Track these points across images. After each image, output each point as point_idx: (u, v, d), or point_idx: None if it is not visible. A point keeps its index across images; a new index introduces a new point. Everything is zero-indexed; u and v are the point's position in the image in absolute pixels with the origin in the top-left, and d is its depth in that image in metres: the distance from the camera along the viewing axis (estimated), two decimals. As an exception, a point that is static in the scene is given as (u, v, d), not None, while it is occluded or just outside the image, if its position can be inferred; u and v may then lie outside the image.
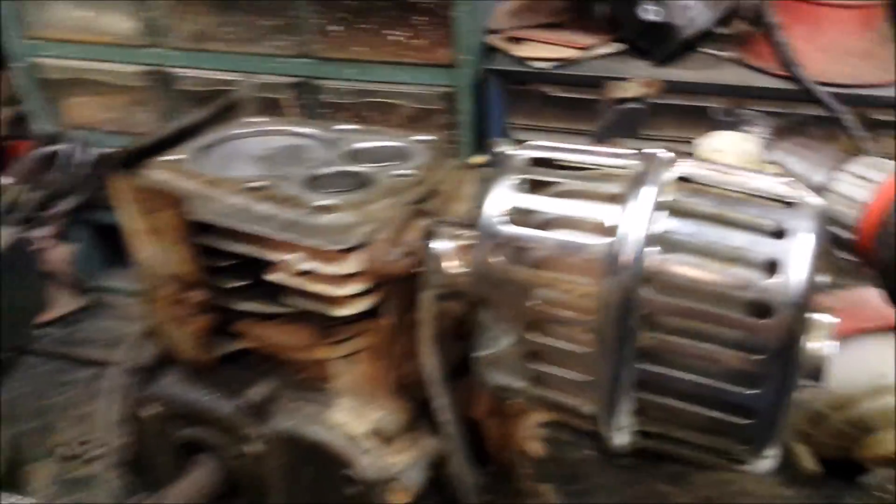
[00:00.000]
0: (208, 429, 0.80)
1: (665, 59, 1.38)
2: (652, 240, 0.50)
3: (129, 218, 0.72)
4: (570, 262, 0.54)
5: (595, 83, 1.35)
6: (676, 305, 0.49)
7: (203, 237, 0.69)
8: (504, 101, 1.38)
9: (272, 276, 0.67)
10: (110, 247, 1.75)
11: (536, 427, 0.87)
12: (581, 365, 0.55)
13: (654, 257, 0.50)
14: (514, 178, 0.56)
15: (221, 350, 0.77)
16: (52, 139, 1.52)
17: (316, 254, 0.65)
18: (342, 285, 0.65)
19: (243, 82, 0.96)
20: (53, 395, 1.39)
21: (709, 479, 1.19)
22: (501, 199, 0.56)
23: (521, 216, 0.56)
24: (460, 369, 0.82)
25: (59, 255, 1.61)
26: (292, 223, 0.67)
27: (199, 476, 0.81)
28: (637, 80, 0.92)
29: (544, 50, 1.39)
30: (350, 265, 0.64)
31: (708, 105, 1.29)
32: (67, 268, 1.62)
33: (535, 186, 0.57)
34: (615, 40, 1.45)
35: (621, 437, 0.57)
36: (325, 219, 0.66)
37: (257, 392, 0.76)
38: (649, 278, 0.49)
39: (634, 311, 0.51)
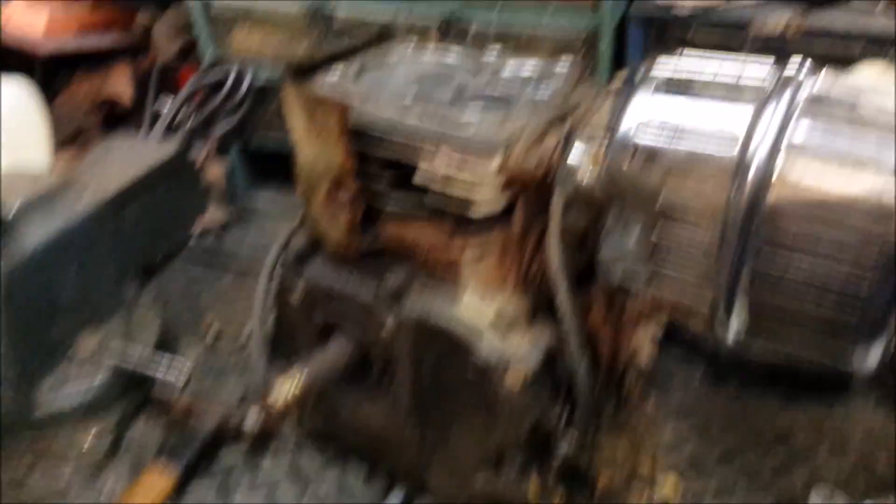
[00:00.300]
0: (347, 310, 0.92)
1: (816, 4, 1.34)
2: (780, 147, 0.55)
3: (297, 122, 0.82)
4: (699, 169, 0.59)
5: (741, 26, 1.36)
6: (802, 210, 0.54)
7: (360, 141, 0.79)
8: (644, 45, 1.42)
9: (418, 180, 0.76)
10: (257, 169, 1.92)
11: (647, 339, 0.92)
12: (701, 264, 0.61)
13: (782, 163, 0.54)
14: (650, 91, 0.62)
15: (365, 243, 0.87)
16: (216, 65, 1.68)
17: (458, 159, 0.73)
18: (480, 188, 0.73)
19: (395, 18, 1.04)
20: (200, 294, 1.57)
21: (814, 404, 1.20)
22: (637, 110, 0.62)
23: (655, 125, 0.62)
24: (580, 279, 0.90)
25: (215, 170, 1.79)
26: (438, 133, 0.75)
27: (336, 349, 0.92)
28: (782, 18, 0.93)
29: (687, -1, 1.41)
30: (489, 170, 0.72)
31: (854, 54, 1.27)
32: (220, 183, 1.80)
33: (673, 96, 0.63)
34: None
35: (734, 333, 0.62)
36: (469, 129, 0.75)
37: (393, 279, 0.86)
38: (775, 183, 0.55)
39: (758, 213, 0.56)
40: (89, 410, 1.14)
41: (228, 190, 1.84)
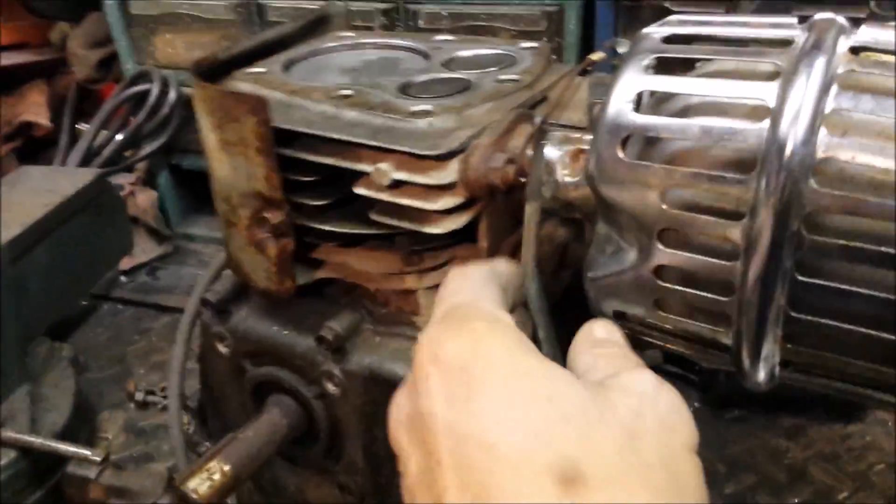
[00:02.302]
0: (284, 366, 0.79)
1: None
2: (821, 121, 0.43)
3: (209, 130, 0.70)
4: (716, 153, 0.47)
5: None
6: (850, 201, 0.42)
7: (286, 148, 0.66)
8: (616, 21, 1.31)
9: (360, 189, 0.64)
10: (193, 194, 1.78)
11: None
12: (723, 281, 0.48)
13: (824, 141, 0.43)
14: (647, 59, 0.50)
15: (301, 279, 0.74)
16: (138, 79, 1.55)
17: (409, 161, 0.61)
18: (437, 198, 0.61)
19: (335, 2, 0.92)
20: (132, 341, 1.43)
21: (828, 434, 1.10)
22: (630, 85, 0.50)
23: (654, 104, 0.50)
24: (563, 305, 0.78)
25: (144, 200, 1.65)
26: (384, 129, 0.63)
27: (274, 417, 0.79)
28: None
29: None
30: (447, 173, 0.59)
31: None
32: (151, 213, 1.66)
33: (674, 68, 0.51)
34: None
35: (764, 369, 0.50)
36: (421, 123, 0.62)
37: (335, 326, 0.73)
38: (817, 168, 0.43)
39: (797, 209, 0.44)
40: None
41: (161, 219, 1.70)
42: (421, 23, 1.33)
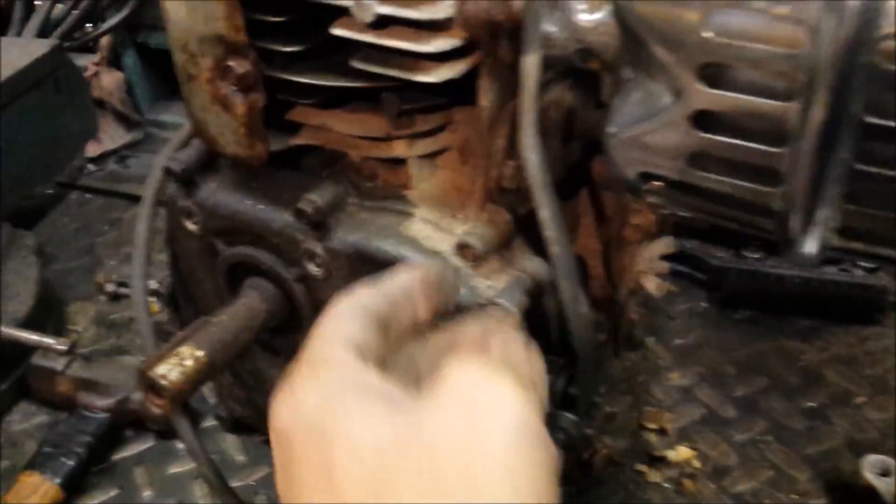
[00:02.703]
0: (261, 246, 0.72)
1: None
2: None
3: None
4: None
5: None
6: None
7: (249, -19, 0.57)
8: None
9: (338, 30, 0.55)
10: (164, 76, 1.67)
11: (656, 260, 0.75)
12: (776, 129, 0.41)
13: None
14: None
15: (275, 145, 0.67)
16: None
17: (396, -8, 0.52)
18: (429, 39, 0.52)
19: None
20: (101, 231, 1.36)
21: (844, 337, 1.06)
22: None
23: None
24: (567, 187, 0.71)
25: (110, 82, 1.54)
26: (367, -45, 0.53)
27: (252, 301, 0.73)
28: None
29: None
30: (441, 6, 0.51)
31: None
32: (119, 97, 1.55)
33: None
34: None
35: (816, 237, 0.44)
36: (410, -55, 0.53)
37: (316, 198, 0.66)
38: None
39: (868, 31, 0.36)
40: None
41: (129, 103, 1.59)
42: None
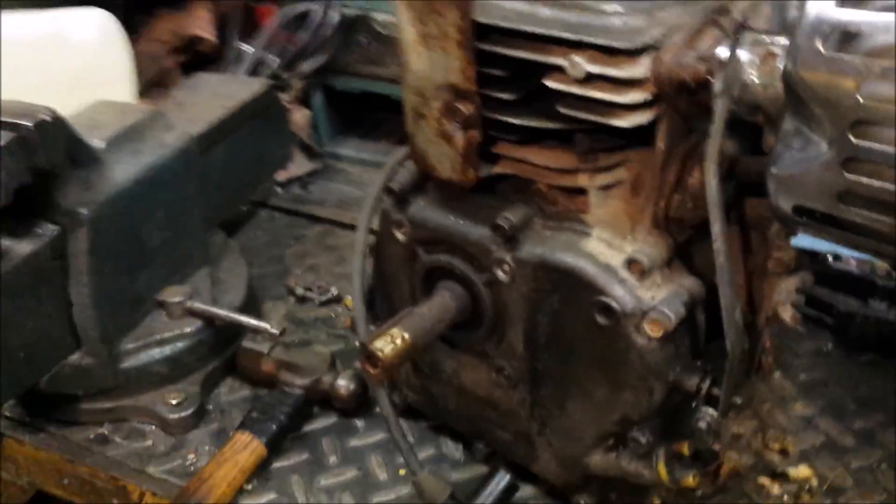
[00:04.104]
0: (457, 254, 0.86)
1: None
2: None
3: (407, 28, 0.76)
4: (915, 50, 0.50)
5: None
6: None
7: (482, 42, 0.72)
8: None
9: (552, 82, 0.69)
10: (344, 115, 1.89)
11: (793, 293, 0.84)
12: (908, 176, 0.52)
13: None
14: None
15: (482, 172, 0.81)
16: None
17: (602, 56, 0.66)
18: (627, 92, 0.66)
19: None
20: (288, 245, 1.55)
21: None
22: (828, -11, 0.53)
23: (852, 3, 0.53)
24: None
25: (300, 117, 1.76)
26: (579, 25, 0.68)
27: (443, 300, 0.87)
28: None
29: None
30: (639, 67, 0.64)
31: None
32: (306, 131, 1.77)
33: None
34: None
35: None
36: (614, 21, 0.67)
37: (511, 216, 0.80)
38: None
39: None
40: (174, 370, 1.13)
41: (314, 136, 1.82)
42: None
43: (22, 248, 0.98)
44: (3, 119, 0.91)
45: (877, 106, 0.51)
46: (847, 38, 0.53)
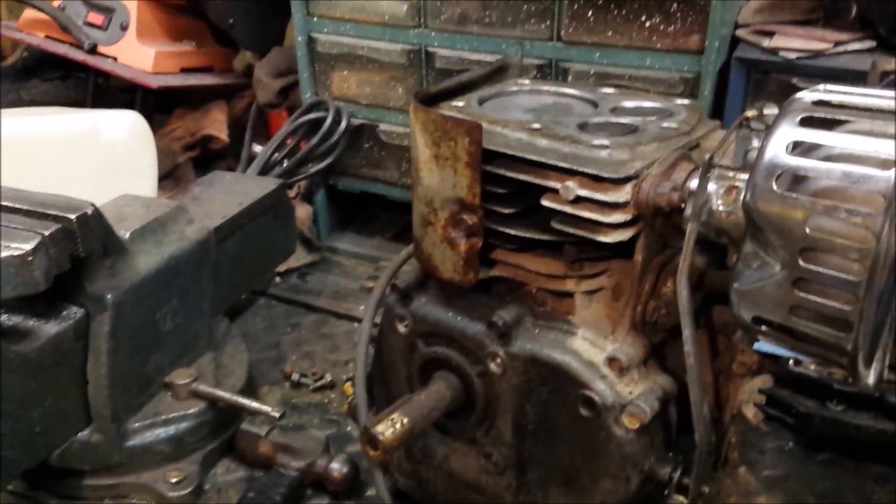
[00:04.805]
0: (453, 347, 0.93)
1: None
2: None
3: (422, 148, 0.85)
4: (851, 192, 0.59)
5: (844, 76, 1.38)
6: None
7: (487, 164, 0.82)
8: (746, 89, 1.45)
9: (547, 202, 0.78)
10: (343, 212, 1.98)
11: (756, 393, 0.91)
12: (848, 294, 0.60)
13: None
14: (798, 116, 0.63)
15: (480, 275, 0.89)
16: (313, 108, 1.76)
17: (591, 182, 0.75)
18: (611, 213, 0.75)
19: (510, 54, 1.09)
20: (285, 332, 1.61)
21: None
22: (785, 135, 0.63)
23: (800, 152, 0.63)
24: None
25: (302, 213, 1.85)
26: (572, 155, 0.77)
27: (440, 388, 0.93)
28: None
29: (794, 41, 1.43)
30: (623, 194, 0.73)
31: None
32: (307, 225, 1.86)
33: (818, 125, 0.64)
34: (865, 38, 1.48)
35: (874, 371, 0.62)
36: (602, 153, 0.77)
37: (505, 315, 0.87)
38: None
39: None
40: (176, 449, 1.17)
41: (314, 231, 1.90)
42: (569, 79, 1.49)
43: (48, 328, 1.03)
44: (49, 212, 0.98)
45: (821, 237, 0.60)
46: (798, 179, 0.63)
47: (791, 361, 1.29)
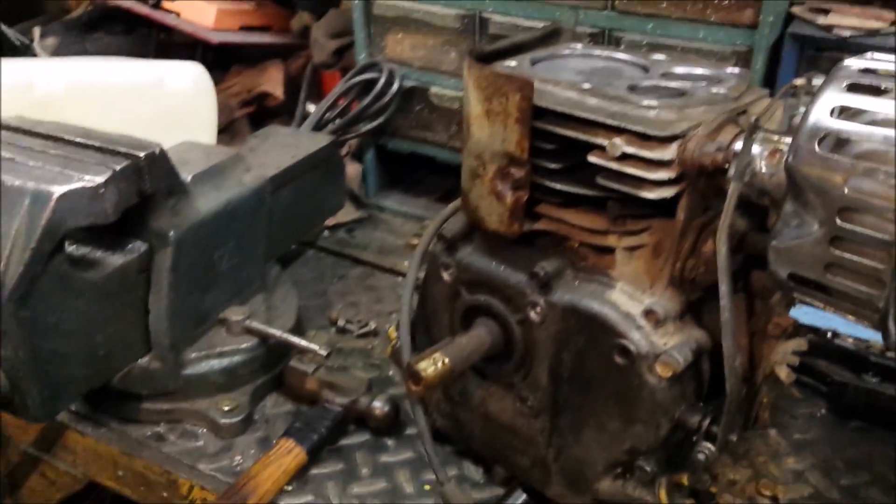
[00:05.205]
0: (495, 295, 0.96)
1: None
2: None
3: (477, 102, 0.88)
4: (891, 155, 0.61)
5: None
6: None
7: (537, 121, 0.84)
8: (798, 66, 1.44)
9: (594, 158, 0.81)
10: (391, 172, 2.02)
11: (789, 354, 0.93)
12: (883, 253, 0.62)
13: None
14: (844, 82, 0.65)
15: (525, 227, 0.92)
16: (367, 69, 1.79)
17: (638, 140, 0.77)
18: (656, 170, 0.77)
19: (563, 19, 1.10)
20: (331, 282, 1.66)
21: None
22: (830, 99, 0.64)
23: (847, 113, 0.64)
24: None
25: (351, 171, 1.89)
26: (620, 114, 0.79)
27: (479, 334, 0.97)
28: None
29: (850, 19, 1.42)
30: (668, 152, 0.75)
31: None
32: (356, 183, 1.90)
33: (864, 93, 0.65)
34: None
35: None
36: (650, 113, 0.78)
37: (546, 266, 0.90)
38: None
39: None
40: (228, 380, 1.23)
41: (363, 188, 1.94)
42: (622, 48, 1.50)
43: (114, 259, 1.09)
44: (119, 149, 1.03)
45: (859, 197, 0.62)
46: (840, 142, 0.64)
47: (830, 334, 1.30)
